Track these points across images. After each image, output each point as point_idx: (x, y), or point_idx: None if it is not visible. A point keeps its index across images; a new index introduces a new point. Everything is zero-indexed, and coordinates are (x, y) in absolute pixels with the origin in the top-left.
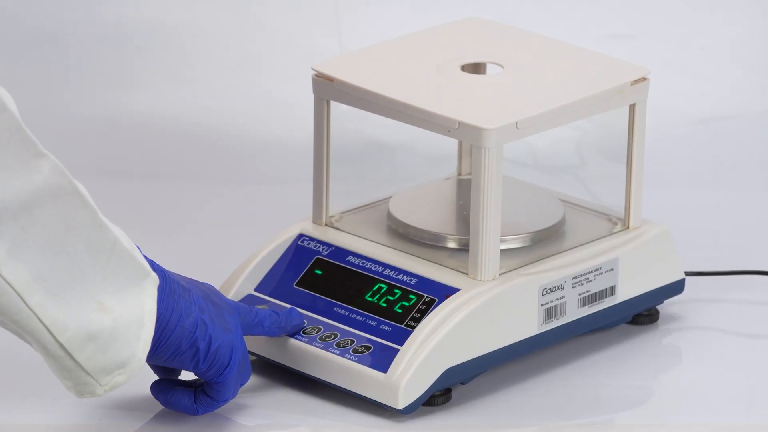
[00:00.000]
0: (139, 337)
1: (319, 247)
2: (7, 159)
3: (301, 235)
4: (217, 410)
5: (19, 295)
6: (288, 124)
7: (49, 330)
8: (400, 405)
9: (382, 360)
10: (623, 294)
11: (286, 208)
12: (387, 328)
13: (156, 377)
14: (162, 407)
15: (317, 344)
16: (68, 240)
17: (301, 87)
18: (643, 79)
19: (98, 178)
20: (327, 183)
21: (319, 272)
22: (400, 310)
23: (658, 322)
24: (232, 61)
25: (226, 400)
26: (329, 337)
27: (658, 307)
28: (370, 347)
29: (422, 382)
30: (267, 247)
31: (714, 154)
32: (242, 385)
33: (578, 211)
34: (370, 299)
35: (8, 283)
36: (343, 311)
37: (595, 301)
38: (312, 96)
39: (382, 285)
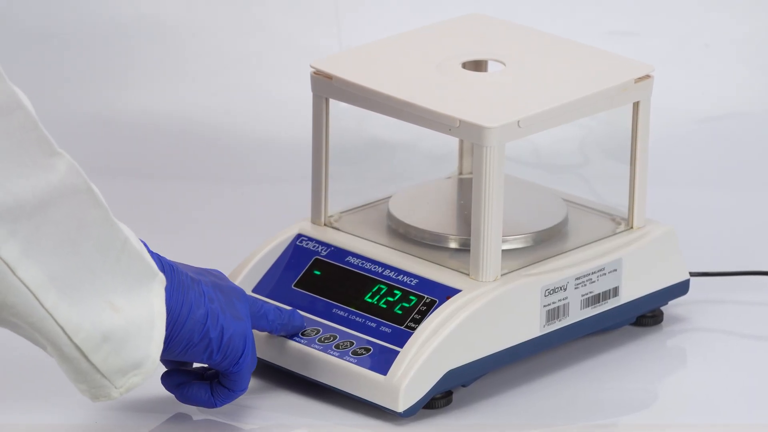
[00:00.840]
0: (152, 338)
1: (318, 247)
2: (23, 157)
3: (299, 235)
4: (217, 411)
5: (34, 295)
6: (287, 123)
7: (64, 331)
8: (401, 408)
9: (382, 362)
10: (627, 295)
11: (284, 208)
12: (387, 329)
13: (164, 370)
14: (161, 408)
15: (316, 346)
16: (80, 239)
17: (300, 86)
18: (647, 76)
19: (96, 177)
20: (326, 182)
21: (318, 273)
22: (400, 312)
23: (663, 323)
24: (232, 60)
25: (243, 390)
26: (328, 338)
27: (663, 308)
28: (370, 349)
29: (423, 385)
30: (265, 248)
31: (719, 153)
32: (251, 371)
33: (581, 210)
34: (369, 300)
35: (24, 284)
36: (342, 312)
37: (599, 302)
38: (311, 94)
39: (382, 286)
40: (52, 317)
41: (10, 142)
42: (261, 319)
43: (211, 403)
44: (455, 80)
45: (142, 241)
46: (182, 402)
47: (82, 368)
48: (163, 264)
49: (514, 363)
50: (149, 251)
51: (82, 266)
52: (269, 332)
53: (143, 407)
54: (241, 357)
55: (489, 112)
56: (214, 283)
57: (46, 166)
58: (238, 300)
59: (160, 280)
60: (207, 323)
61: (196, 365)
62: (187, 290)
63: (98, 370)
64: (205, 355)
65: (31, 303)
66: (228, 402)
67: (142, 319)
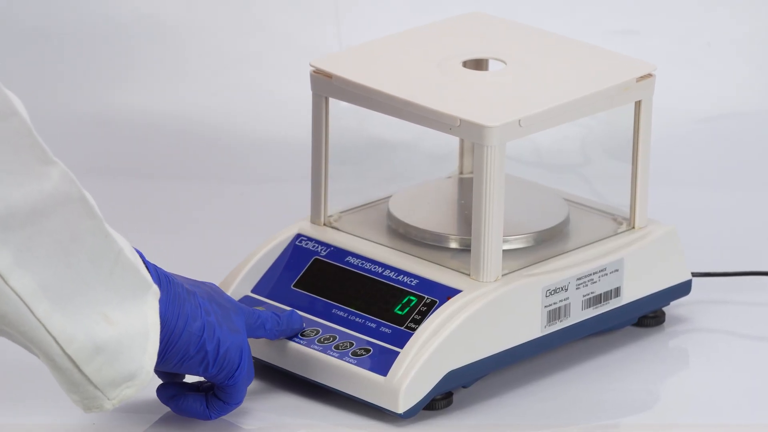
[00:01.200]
0: (146, 350)
1: (318, 247)
2: (16, 164)
3: (299, 235)
4: None
5: (26, 305)
6: (287, 123)
7: (56, 341)
8: (401, 409)
9: (381, 363)
10: (629, 295)
11: (284, 208)
12: (387, 330)
13: (159, 381)
14: (161, 409)
15: (315, 347)
16: (73, 250)
17: (300, 84)
18: (649, 75)
19: (95, 177)
20: (326, 182)
21: (317, 273)
22: (400, 312)
23: (665, 324)
24: (232, 60)
25: (238, 403)
26: (328, 339)
27: (665, 308)
28: (370, 350)
29: (423, 386)
30: (264, 248)
31: (720, 153)
32: (248, 385)
33: (582, 210)
34: (369, 301)
35: (15, 293)
36: (342, 313)
37: (600, 302)
38: (311, 94)
39: (382, 286)
40: (44, 327)
41: (3, 150)
42: (258, 329)
43: (206, 416)
44: (456, 79)
45: (138, 251)
46: (177, 413)
47: (74, 379)
48: (159, 275)
49: (515, 364)
50: (145, 261)
51: (75, 277)
52: (268, 338)
53: (141, 408)
54: (237, 370)
55: (490, 111)
56: (210, 295)
57: (40, 175)
58: (235, 313)
59: (154, 292)
60: (203, 336)
61: (189, 378)
62: (183, 302)
63: (91, 382)
64: (201, 367)
65: (23, 312)
66: (223, 414)
67: (135, 331)
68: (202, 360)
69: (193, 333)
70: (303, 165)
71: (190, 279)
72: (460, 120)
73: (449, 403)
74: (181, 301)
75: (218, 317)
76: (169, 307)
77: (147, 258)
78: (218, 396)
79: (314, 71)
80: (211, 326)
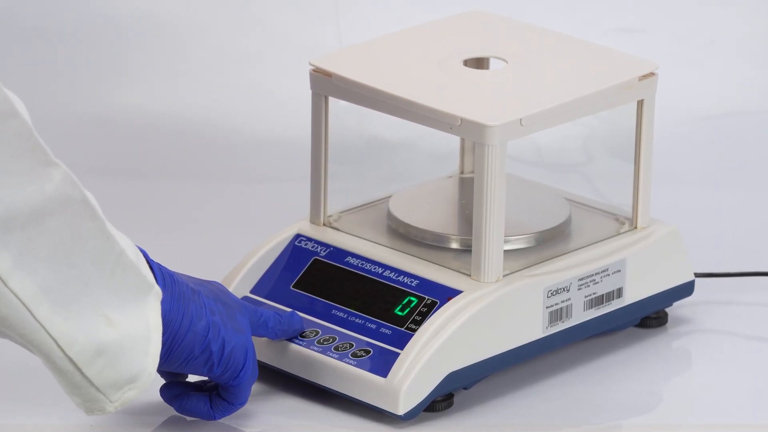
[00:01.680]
0: (148, 352)
1: (317, 247)
2: (17, 166)
3: (298, 236)
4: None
5: (26, 307)
6: (287, 123)
7: (57, 344)
8: (401, 411)
9: (381, 364)
10: (631, 296)
11: (283, 208)
12: (387, 331)
13: (162, 382)
14: (164, 412)
15: (315, 348)
16: (74, 251)
17: (299, 83)
18: (651, 74)
19: (96, 177)
20: (325, 181)
21: (317, 273)
22: (400, 313)
23: (667, 325)
24: (231, 59)
25: (242, 403)
26: (327, 340)
27: (667, 309)
28: (370, 351)
29: (423, 387)
30: (263, 248)
31: (724, 151)
32: (252, 384)
33: (584, 210)
34: (369, 302)
35: (15, 295)
36: (341, 314)
37: (602, 303)
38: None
39: (382, 287)
40: (45, 329)
41: (4, 151)
42: (261, 327)
43: (210, 416)
44: (456, 78)
45: (142, 251)
46: (180, 413)
47: (76, 381)
48: (164, 274)
49: (516, 365)
50: (149, 261)
51: (76, 279)
52: (268, 338)
53: (141, 410)
54: (241, 370)
55: (490, 110)
56: (216, 294)
57: (41, 176)
58: (239, 312)
59: (156, 294)
60: (208, 336)
61: (192, 377)
62: (188, 302)
63: (92, 384)
64: (205, 368)
65: (23, 315)
66: (227, 415)
67: (137, 333)
68: (207, 360)
69: (197, 333)
70: (303, 165)
71: (195, 278)
72: (461, 119)
73: (450, 405)
74: (185, 301)
75: (223, 317)
76: (173, 307)
77: (152, 259)
78: (222, 396)
79: (314, 70)
80: (216, 326)
